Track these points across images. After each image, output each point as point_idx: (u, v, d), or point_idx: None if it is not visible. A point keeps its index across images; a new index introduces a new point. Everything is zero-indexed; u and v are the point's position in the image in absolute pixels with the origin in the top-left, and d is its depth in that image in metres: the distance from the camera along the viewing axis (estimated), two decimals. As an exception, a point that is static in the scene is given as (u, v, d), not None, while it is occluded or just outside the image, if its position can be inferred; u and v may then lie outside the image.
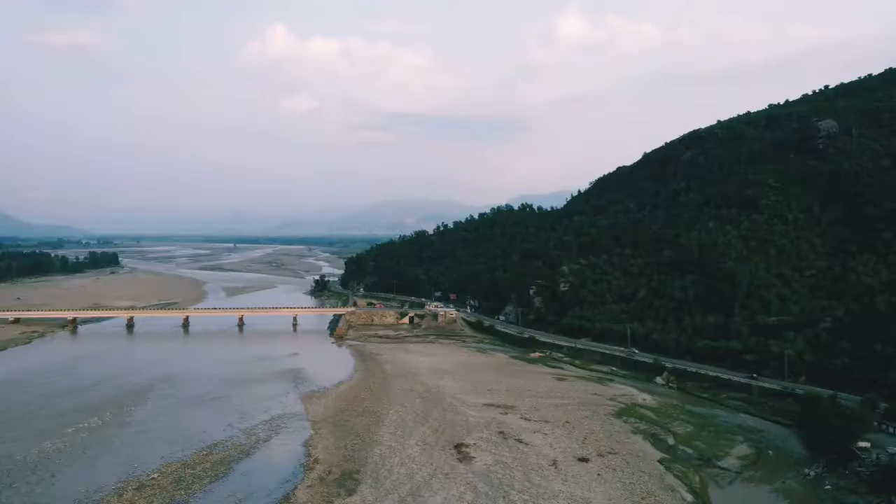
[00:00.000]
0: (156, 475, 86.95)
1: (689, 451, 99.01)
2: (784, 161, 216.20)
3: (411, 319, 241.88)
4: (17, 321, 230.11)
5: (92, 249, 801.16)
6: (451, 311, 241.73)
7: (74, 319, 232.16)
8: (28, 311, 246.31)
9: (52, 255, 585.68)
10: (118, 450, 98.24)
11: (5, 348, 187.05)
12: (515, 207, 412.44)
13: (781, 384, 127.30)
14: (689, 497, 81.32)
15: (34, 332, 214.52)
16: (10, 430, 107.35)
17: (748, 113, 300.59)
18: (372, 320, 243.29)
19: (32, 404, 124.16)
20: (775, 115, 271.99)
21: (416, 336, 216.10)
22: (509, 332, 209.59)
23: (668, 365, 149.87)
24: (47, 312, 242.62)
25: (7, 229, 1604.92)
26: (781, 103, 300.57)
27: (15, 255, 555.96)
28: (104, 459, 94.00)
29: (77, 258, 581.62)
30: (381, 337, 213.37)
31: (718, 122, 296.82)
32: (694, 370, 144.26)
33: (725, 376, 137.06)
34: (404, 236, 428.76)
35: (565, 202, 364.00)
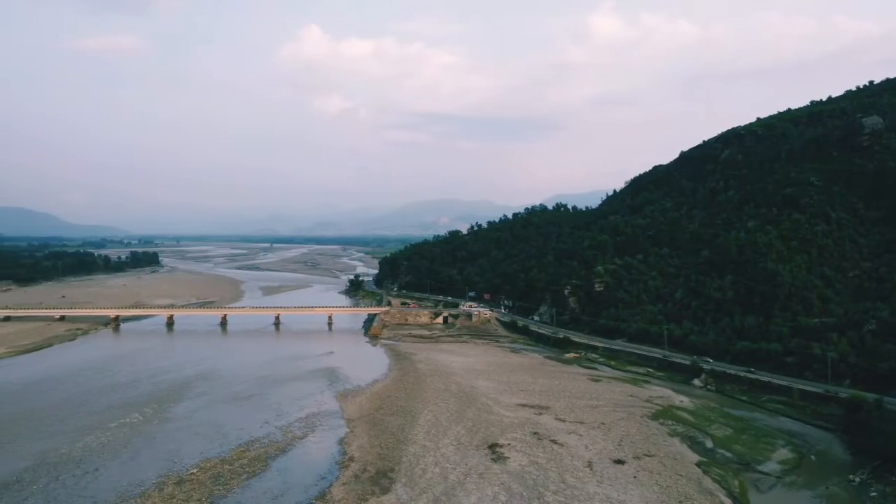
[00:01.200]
0: (195, 470, 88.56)
1: (728, 454, 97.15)
2: (827, 159, 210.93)
3: (445, 319, 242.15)
4: (62, 318, 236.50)
5: (133, 249, 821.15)
6: (486, 311, 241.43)
7: (117, 317, 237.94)
8: (72, 308, 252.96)
9: (96, 254, 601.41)
10: (158, 445, 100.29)
11: (51, 345, 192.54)
12: (549, 207, 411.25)
13: (824, 387, 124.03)
14: (729, 501, 79.74)
15: (78, 329, 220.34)
16: (55, 425, 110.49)
17: (789, 110, 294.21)
18: (406, 320, 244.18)
19: (77, 399, 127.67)
20: (817, 112, 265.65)
21: (451, 336, 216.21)
22: (543, 332, 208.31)
23: (706, 367, 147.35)
24: (91, 310, 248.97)
25: (52, 229, 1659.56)
26: (824, 99, 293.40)
27: (60, 255, 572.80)
28: (145, 454, 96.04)
29: (119, 257, 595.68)
30: (415, 336, 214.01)
31: (758, 119, 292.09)
32: (733, 372, 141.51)
33: (765, 378, 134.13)
34: (438, 236, 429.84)
35: (600, 202, 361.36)
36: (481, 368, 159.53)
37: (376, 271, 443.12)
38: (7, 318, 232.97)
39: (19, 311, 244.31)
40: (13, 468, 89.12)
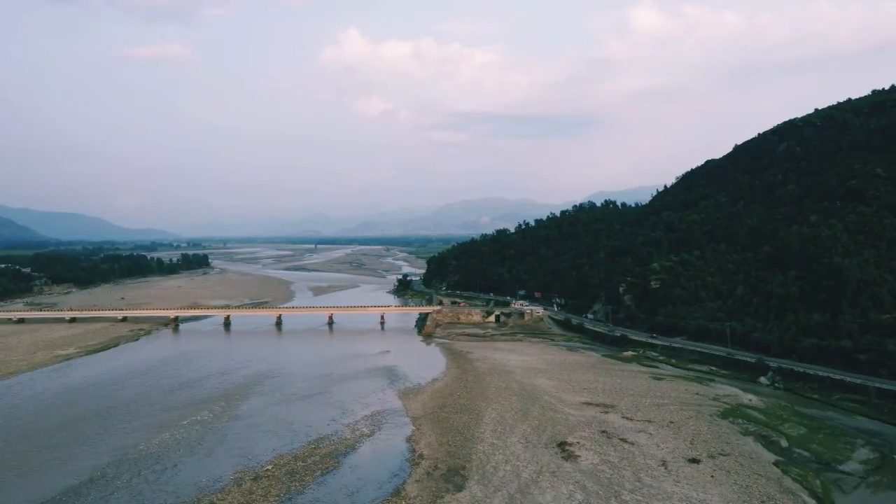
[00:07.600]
0: (269, 467, 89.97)
1: (806, 454, 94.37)
2: (893, 149, 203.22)
3: (497, 318, 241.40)
4: (124, 319, 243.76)
5: (183, 251, 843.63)
6: (538, 309, 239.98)
7: (176, 318, 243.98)
8: (134, 309, 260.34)
9: (148, 257, 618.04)
10: (231, 442, 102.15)
11: (117, 345, 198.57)
12: (592, 204, 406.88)
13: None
14: (813, 502, 77.32)
15: (140, 329, 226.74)
16: (130, 422, 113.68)
17: (849, 100, 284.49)
18: (458, 318, 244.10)
19: (147, 397, 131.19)
20: (880, 101, 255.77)
21: (504, 334, 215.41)
22: (599, 330, 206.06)
23: (773, 364, 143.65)
24: (151, 311, 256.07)
25: (104, 233, 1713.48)
26: (886, 88, 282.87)
27: (116, 258, 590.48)
28: (220, 451, 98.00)
29: (171, 260, 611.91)
30: (468, 335, 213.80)
31: (816, 110, 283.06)
32: (802, 370, 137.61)
33: (837, 377, 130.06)
34: (485, 235, 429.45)
35: (646, 198, 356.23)
36: (540, 367, 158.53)
37: (421, 270, 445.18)
38: (73, 320, 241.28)
39: (85, 312, 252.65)
40: (96, 463, 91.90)
